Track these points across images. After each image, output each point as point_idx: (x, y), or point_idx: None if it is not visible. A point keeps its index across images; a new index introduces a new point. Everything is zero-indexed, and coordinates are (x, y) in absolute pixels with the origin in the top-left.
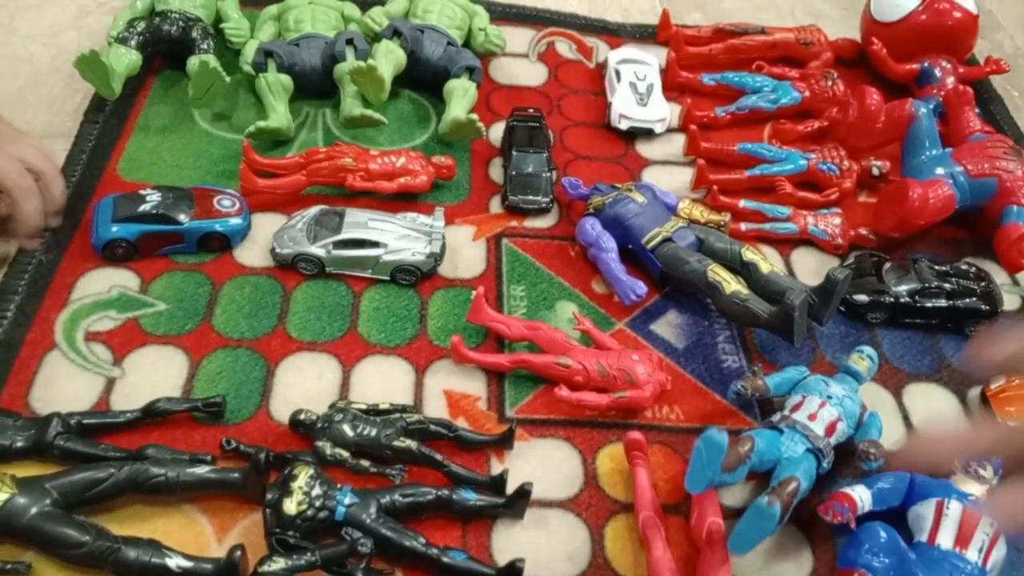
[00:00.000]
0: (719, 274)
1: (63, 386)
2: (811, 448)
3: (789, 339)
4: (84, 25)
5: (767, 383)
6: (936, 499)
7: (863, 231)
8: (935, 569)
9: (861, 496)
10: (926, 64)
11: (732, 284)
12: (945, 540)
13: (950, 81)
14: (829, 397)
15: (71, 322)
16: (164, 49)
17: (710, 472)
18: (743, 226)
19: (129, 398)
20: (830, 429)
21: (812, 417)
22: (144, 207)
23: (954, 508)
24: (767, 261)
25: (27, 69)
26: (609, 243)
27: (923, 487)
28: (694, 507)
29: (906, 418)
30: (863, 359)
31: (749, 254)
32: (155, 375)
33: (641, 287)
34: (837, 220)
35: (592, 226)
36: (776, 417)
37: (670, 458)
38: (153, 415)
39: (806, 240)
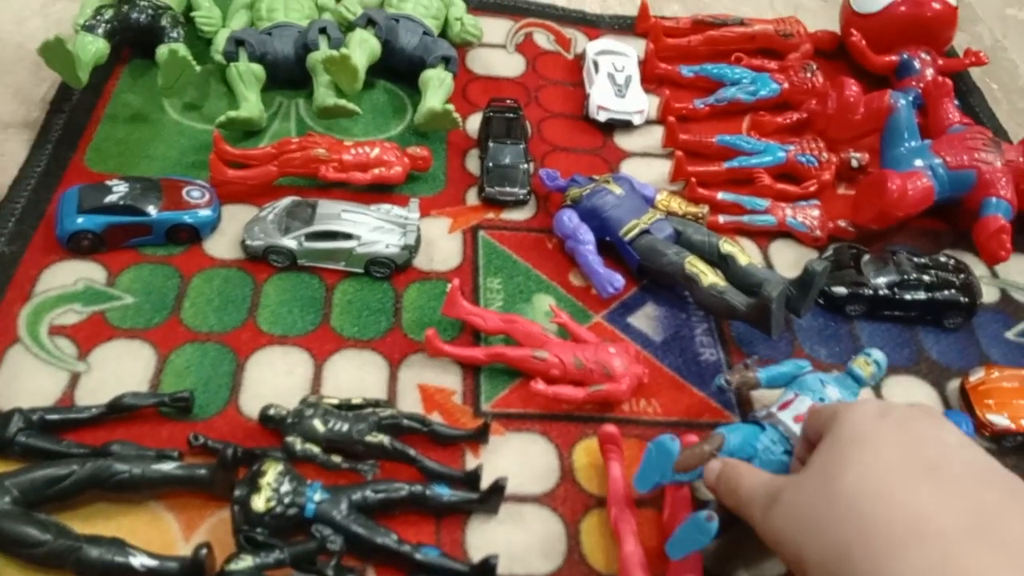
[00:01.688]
0: (697, 266)
1: (25, 381)
2: (790, 451)
3: (766, 331)
4: (51, 12)
5: (759, 376)
6: None
7: (842, 223)
8: None
9: None
10: (905, 56)
11: (710, 276)
12: None
13: (929, 73)
14: (822, 400)
15: (34, 316)
16: (133, 38)
17: (657, 476)
18: (721, 218)
19: (94, 393)
20: None
21: (798, 419)
22: (111, 198)
23: None
24: (745, 253)
25: None
26: (587, 235)
27: None
28: (667, 503)
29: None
30: (869, 364)
31: (727, 246)
32: (121, 370)
33: (619, 280)
34: (816, 212)
35: (569, 218)
36: (761, 412)
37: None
38: (119, 410)
39: (784, 232)
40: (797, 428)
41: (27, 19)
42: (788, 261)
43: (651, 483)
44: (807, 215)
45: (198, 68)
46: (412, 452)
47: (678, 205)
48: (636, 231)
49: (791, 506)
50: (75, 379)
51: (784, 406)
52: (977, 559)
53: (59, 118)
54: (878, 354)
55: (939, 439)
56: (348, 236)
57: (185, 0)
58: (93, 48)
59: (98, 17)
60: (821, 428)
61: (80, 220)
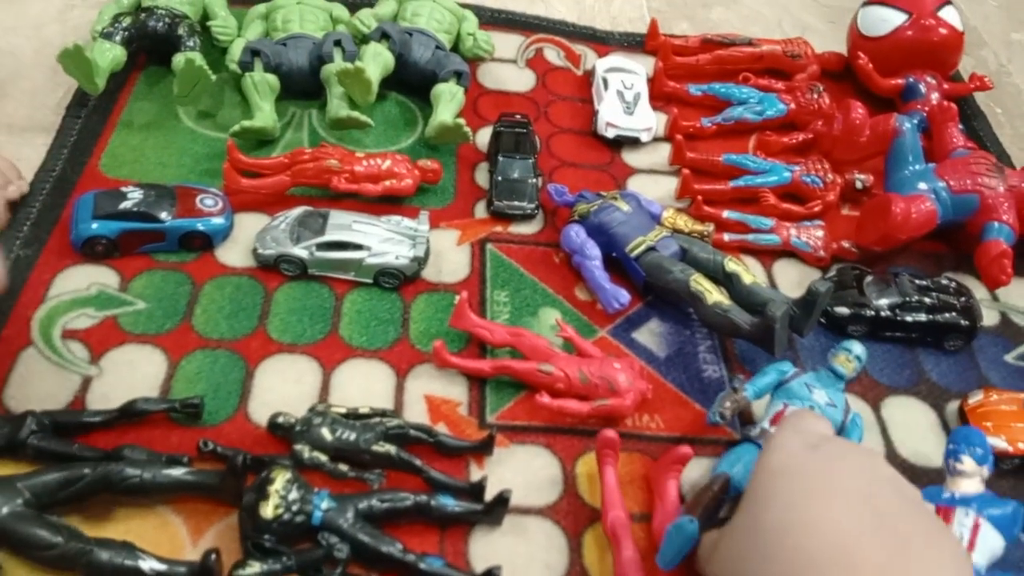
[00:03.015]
0: (702, 284)
1: (38, 384)
2: None
3: (770, 350)
4: (69, 19)
5: (746, 394)
6: (938, 506)
7: (845, 244)
8: None
9: None
10: (911, 79)
11: (714, 295)
12: None
13: (934, 97)
14: (812, 407)
15: (48, 319)
16: (149, 45)
17: (679, 555)
18: (726, 236)
19: (106, 397)
20: None
21: None
22: (125, 204)
23: (959, 515)
24: (749, 272)
25: (9, 62)
26: (593, 251)
27: (927, 496)
28: (656, 510)
29: (884, 431)
30: (850, 360)
31: (731, 265)
32: (132, 375)
33: (624, 295)
34: (820, 233)
35: (577, 233)
36: (755, 430)
37: (649, 467)
38: (130, 415)
39: (789, 252)
40: None
41: (45, 25)
42: (792, 280)
43: (675, 562)
44: (811, 235)
45: (213, 77)
46: (418, 462)
47: (684, 223)
48: (642, 248)
49: (725, 550)
50: (87, 383)
51: (775, 420)
52: None
53: (75, 123)
54: (858, 348)
55: (871, 470)
56: (359, 247)
57: (201, 9)
58: (111, 55)
59: (116, 24)
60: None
61: (95, 225)
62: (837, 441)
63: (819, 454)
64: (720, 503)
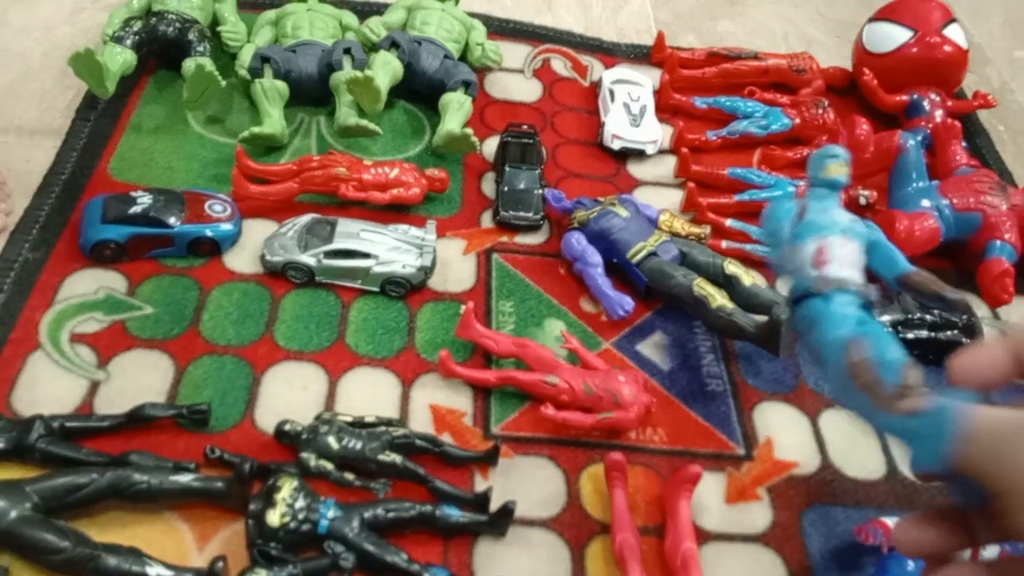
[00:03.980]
0: (705, 289)
1: (46, 388)
2: (862, 303)
3: (774, 352)
4: (78, 21)
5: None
6: None
7: None
8: None
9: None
10: (915, 96)
11: (718, 299)
12: None
13: (939, 114)
14: (843, 232)
15: (56, 323)
16: (159, 50)
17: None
18: (724, 243)
19: (113, 402)
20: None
21: (847, 263)
22: (135, 209)
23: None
24: (749, 274)
25: (19, 63)
26: (595, 257)
27: None
28: (668, 530)
29: (885, 448)
30: (842, 165)
31: (731, 267)
32: (140, 379)
33: (629, 302)
34: None
35: (578, 240)
36: (805, 283)
37: (651, 480)
38: (138, 420)
39: None
40: (852, 273)
41: (55, 27)
42: None
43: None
44: None
45: (223, 83)
46: (423, 472)
47: (680, 226)
48: (643, 253)
49: None
50: (94, 387)
51: (819, 260)
52: None
53: (84, 126)
54: (839, 148)
55: None
56: (366, 255)
57: (211, 14)
58: (121, 59)
59: (127, 28)
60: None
61: (104, 230)
62: None
63: None
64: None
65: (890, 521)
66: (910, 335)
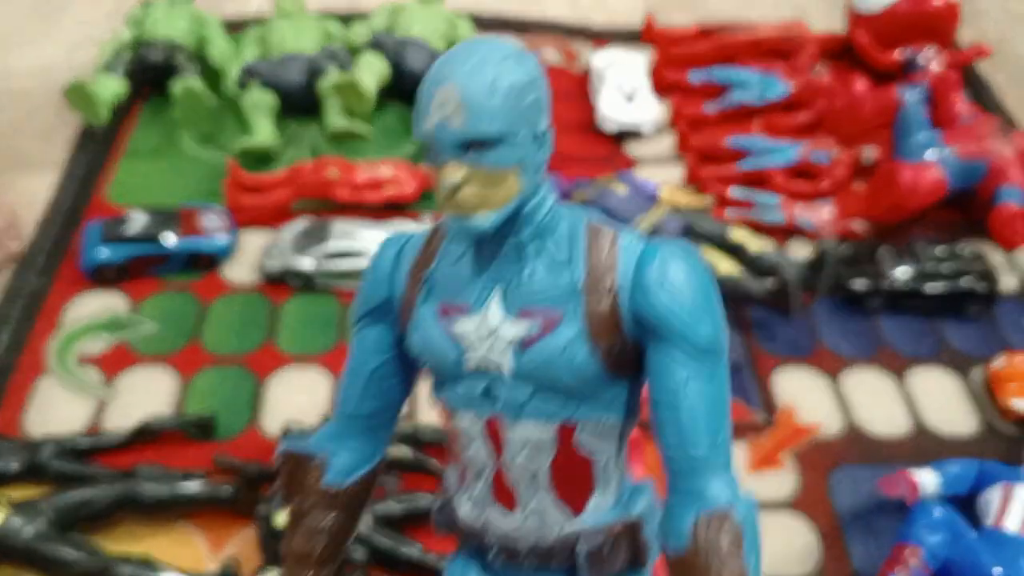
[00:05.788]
0: (710, 257)
1: (56, 409)
2: None
3: (785, 312)
4: (76, 58)
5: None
6: (1003, 483)
7: (853, 224)
8: (999, 551)
9: (924, 480)
10: (911, 52)
11: (724, 265)
12: (1011, 524)
13: (935, 67)
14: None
15: (64, 346)
16: (151, 76)
17: None
18: (728, 211)
19: (121, 418)
20: None
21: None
22: (131, 230)
23: (1021, 493)
24: (754, 239)
25: (22, 102)
26: None
27: (991, 473)
28: None
29: (910, 402)
30: None
31: (736, 234)
32: (146, 395)
33: None
34: (826, 212)
35: None
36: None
37: None
38: (145, 435)
39: (802, 231)
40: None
41: (54, 66)
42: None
43: None
44: (817, 214)
45: (213, 101)
46: (434, 463)
47: (682, 198)
48: (644, 226)
49: None
50: (102, 405)
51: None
52: None
53: (83, 156)
54: None
55: None
56: (363, 254)
57: (197, 37)
58: (112, 87)
59: (117, 58)
60: None
61: (103, 252)
62: None
63: None
64: None
65: (918, 476)
66: (926, 286)
